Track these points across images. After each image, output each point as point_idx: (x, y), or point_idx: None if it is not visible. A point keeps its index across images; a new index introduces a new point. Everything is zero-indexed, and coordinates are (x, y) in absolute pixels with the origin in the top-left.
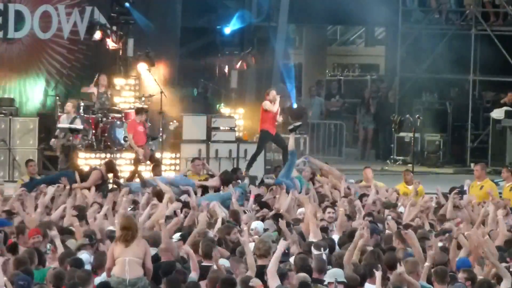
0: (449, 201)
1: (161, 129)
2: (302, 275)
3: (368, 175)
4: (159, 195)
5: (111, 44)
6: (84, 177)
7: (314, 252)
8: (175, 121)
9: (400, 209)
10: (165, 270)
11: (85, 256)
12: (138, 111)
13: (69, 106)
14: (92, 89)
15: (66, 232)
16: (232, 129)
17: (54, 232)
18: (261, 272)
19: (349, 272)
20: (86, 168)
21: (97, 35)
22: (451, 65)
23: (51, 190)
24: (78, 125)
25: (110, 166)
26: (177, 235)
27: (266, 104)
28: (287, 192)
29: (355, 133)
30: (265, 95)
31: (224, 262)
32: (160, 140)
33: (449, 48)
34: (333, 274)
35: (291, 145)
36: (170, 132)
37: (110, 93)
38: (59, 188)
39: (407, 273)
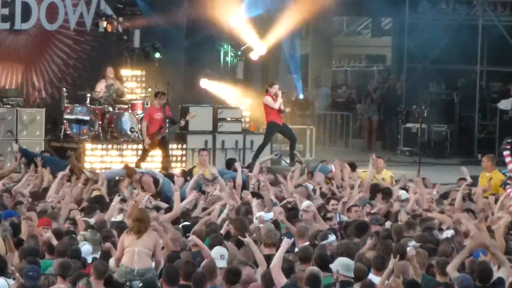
0: (459, 192)
1: (168, 119)
2: (315, 269)
3: (379, 164)
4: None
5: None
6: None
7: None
8: (193, 112)
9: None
10: (170, 260)
11: (86, 247)
12: (157, 94)
13: None
14: (100, 86)
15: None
16: (238, 120)
17: (48, 234)
18: (267, 262)
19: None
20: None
21: (105, 25)
22: (458, 55)
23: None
24: (82, 115)
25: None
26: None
27: (268, 101)
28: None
29: (361, 123)
30: (267, 87)
31: (224, 252)
32: (167, 131)
33: (456, 38)
34: (339, 264)
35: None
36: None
37: (117, 86)
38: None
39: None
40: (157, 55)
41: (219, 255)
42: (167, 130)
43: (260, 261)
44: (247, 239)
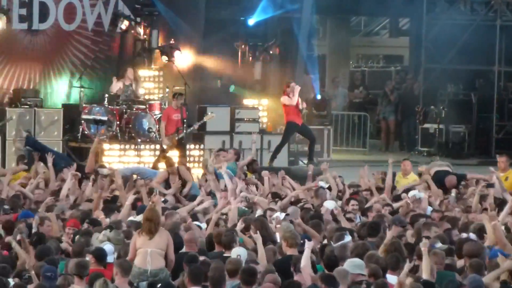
0: (476, 194)
1: (185, 120)
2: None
3: (406, 167)
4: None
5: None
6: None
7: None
8: (210, 112)
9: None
10: (188, 261)
11: (108, 247)
12: (175, 95)
13: None
14: (118, 84)
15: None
16: (255, 121)
17: (64, 245)
18: (288, 262)
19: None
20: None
21: (124, 25)
22: (476, 56)
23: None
24: (100, 116)
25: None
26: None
27: (285, 100)
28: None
29: (379, 124)
30: (284, 87)
31: (241, 252)
32: (184, 131)
33: (474, 38)
34: (352, 265)
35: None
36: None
37: (135, 86)
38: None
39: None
40: (175, 55)
41: (236, 255)
42: (184, 131)
43: (261, 259)
44: (256, 235)
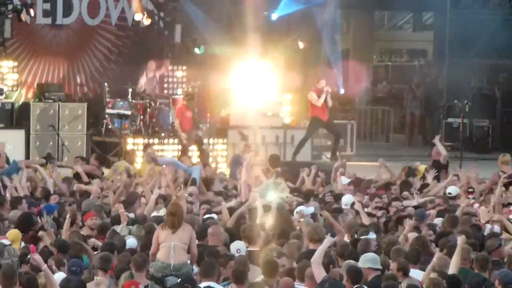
0: (498, 186)
1: (208, 115)
2: (351, 262)
3: None
4: None
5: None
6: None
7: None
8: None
9: None
10: (209, 255)
11: (131, 241)
12: (186, 97)
13: None
14: (143, 79)
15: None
16: (279, 115)
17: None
18: (309, 257)
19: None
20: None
21: (146, 22)
22: (500, 50)
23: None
24: (124, 110)
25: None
26: None
27: (312, 97)
28: None
29: (402, 118)
30: (315, 83)
31: (240, 246)
32: (208, 126)
33: (498, 33)
34: (367, 260)
35: None
36: (219, 118)
37: (158, 77)
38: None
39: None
40: (198, 50)
41: (236, 249)
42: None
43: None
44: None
